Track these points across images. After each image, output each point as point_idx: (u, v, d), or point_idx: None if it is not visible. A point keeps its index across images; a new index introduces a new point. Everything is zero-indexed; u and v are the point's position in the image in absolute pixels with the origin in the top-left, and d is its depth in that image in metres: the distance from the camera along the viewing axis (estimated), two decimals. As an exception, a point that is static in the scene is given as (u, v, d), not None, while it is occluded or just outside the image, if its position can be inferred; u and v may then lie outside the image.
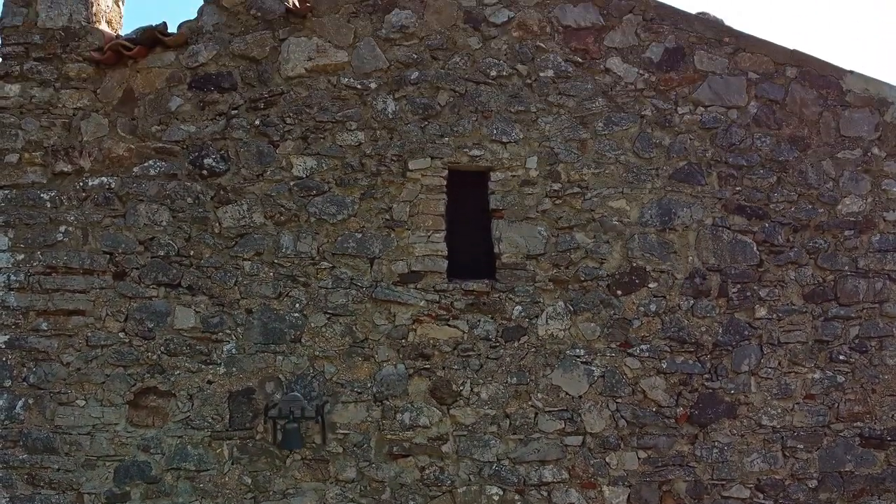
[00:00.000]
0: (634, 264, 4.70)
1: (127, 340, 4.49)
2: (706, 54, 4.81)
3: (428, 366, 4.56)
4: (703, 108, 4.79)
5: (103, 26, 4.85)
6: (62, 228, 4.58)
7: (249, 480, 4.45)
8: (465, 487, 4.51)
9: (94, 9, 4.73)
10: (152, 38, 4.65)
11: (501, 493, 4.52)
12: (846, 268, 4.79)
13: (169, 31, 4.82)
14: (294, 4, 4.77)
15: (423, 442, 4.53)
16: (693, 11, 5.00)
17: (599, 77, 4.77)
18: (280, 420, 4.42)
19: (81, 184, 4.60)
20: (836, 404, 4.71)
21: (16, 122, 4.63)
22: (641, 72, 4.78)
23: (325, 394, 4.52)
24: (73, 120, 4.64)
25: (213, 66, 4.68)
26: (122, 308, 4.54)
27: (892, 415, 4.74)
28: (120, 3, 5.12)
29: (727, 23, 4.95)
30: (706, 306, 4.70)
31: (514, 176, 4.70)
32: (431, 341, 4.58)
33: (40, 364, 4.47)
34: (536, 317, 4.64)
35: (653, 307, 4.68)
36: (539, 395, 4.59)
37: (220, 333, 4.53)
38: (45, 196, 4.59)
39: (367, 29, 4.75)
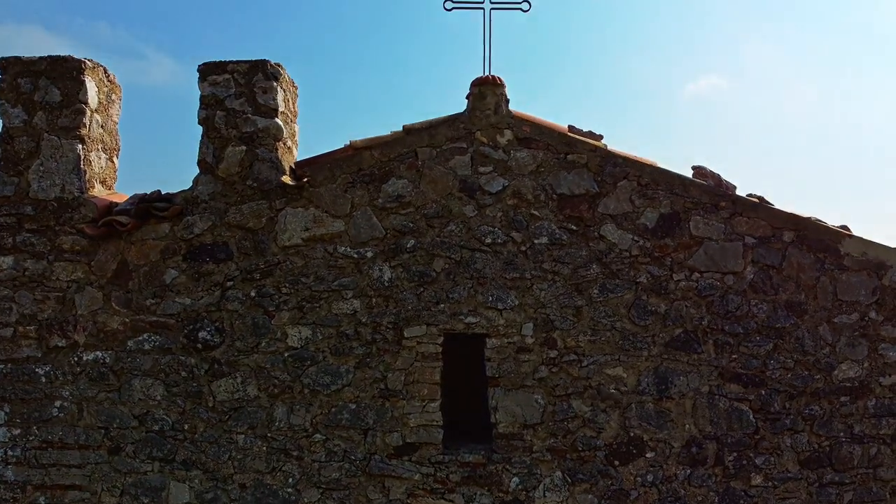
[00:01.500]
0: (632, 433, 4.68)
1: (122, 519, 4.49)
2: (702, 220, 4.80)
3: (423, 541, 4.55)
4: (698, 275, 4.77)
5: (97, 188, 4.84)
6: (57, 404, 4.57)
7: None
8: None
9: (87, 175, 4.72)
10: (146, 212, 4.63)
11: None
12: (841, 434, 4.78)
13: (165, 193, 4.82)
14: (291, 177, 4.76)
15: None
16: (690, 169, 4.97)
17: (594, 244, 4.76)
18: None
19: (76, 358, 4.60)
20: (833, 572, 4.70)
21: (9, 295, 4.63)
22: (636, 238, 4.77)
23: (321, 570, 4.51)
24: (67, 293, 4.63)
25: (208, 236, 4.67)
26: (118, 483, 4.53)
27: (889, 581, 4.73)
28: (115, 159, 5.11)
29: (724, 176, 4.95)
30: (702, 475, 4.69)
31: (510, 343, 4.69)
32: (427, 516, 4.57)
33: (35, 544, 4.47)
34: (534, 489, 4.63)
35: (650, 477, 4.67)
36: (535, 569, 4.58)
37: (215, 510, 4.52)
38: (40, 371, 4.59)
39: (363, 198, 4.73)
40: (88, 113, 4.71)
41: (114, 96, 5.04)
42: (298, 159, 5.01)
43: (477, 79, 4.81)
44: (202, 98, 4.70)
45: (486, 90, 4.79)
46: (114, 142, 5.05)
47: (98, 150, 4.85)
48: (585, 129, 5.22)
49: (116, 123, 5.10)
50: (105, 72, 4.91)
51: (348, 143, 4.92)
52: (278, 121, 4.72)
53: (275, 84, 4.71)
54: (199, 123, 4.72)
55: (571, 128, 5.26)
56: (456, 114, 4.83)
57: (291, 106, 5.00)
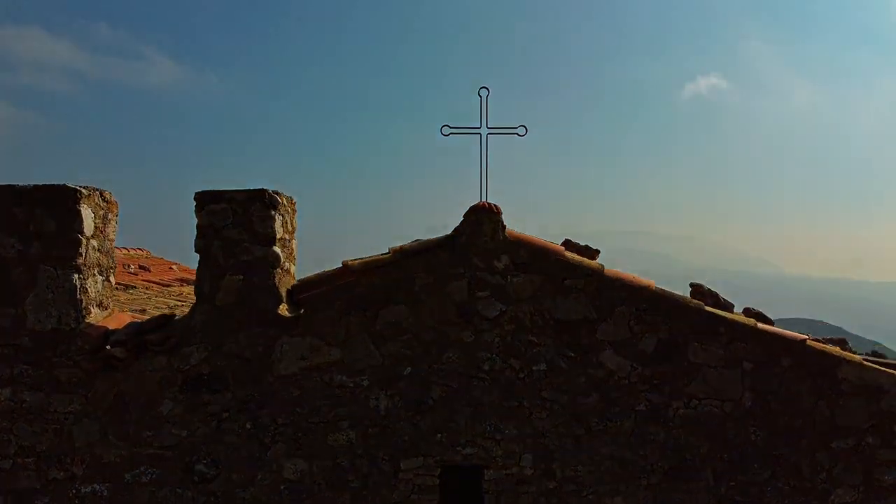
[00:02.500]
0: (629, 562, 4.69)
1: None
2: (700, 346, 4.79)
3: None
4: (697, 402, 4.77)
5: (94, 312, 4.82)
6: (55, 537, 4.57)
7: None
8: None
9: (83, 304, 4.70)
10: (142, 345, 4.62)
11: None
12: (840, 560, 4.78)
13: (162, 316, 4.80)
14: (288, 302, 4.75)
15: None
16: (693, 301, 4.95)
17: (593, 371, 4.75)
18: None
19: (74, 491, 4.60)
20: None
21: (8, 427, 4.62)
22: (635, 365, 4.76)
23: None
24: (65, 425, 4.62)
25: (205, 366, 4.67)
26: None
27: None
28: (111, 277, 5.09)
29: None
30: None
31: (509, 474, 4.69)
32: None
33: None
34: None
35: None
36: None
37: None
38: (39, 502, 4.58)
39: (360, 325, 4.72)
40: (84, 242, 4.70)
41: (110, 215, 5.02)
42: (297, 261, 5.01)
43: (474, 206, 4.80)
44: (199, 227, 4.68)
45: (483, 217, 4.77)
46: (110, 261, 5.03)
47: (94, 274, 4.84)
48: (582, 243, 5.24)
49: (113, 241, 5.08)
50: (101, 195, 4.89)
51: (344, 263, 4.92)
52: (276, 249, 4.71)
53: (272, 212, 4.70)
54: (196, 251, 4.70)
55: (567, 243, 5.25)
56: (452, 235, 4.81)
57: (290, 225, 4.99)
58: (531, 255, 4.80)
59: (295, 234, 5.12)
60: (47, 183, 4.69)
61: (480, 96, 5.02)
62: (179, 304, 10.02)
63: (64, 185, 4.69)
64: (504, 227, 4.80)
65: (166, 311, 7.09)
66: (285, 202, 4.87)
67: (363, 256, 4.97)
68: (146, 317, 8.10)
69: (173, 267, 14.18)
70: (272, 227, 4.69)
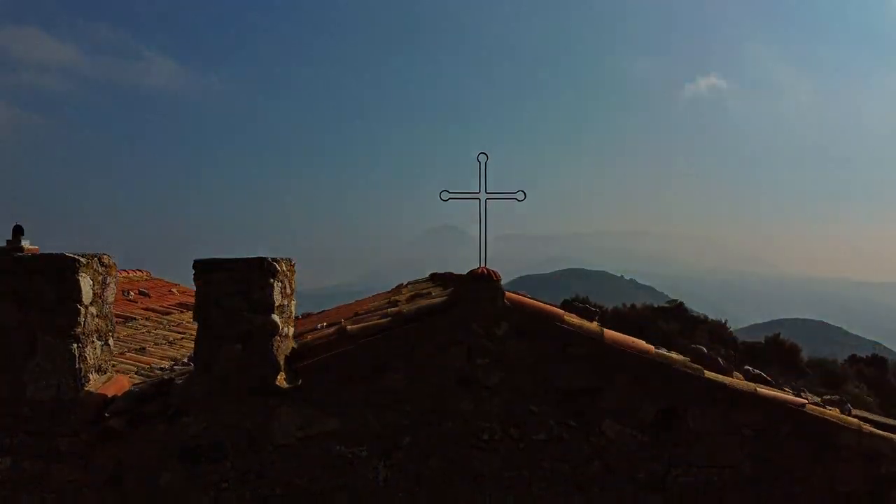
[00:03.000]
0: None
1: None
2: (700, 412, 4.79)
3: None
4: (697, 469, 4.77)
5: (93, 377, 4.82)
6: None
7: None
8: None
9: (82, 372, 4.70)
10: (141, 417, 4.62)
11: None
12: None
13: (161, 381, 4.81)
14: (286, 369, 4.75)
15: None
16: (692, 366, 4.94)
17: (594, 439, 4.75)
18: None
19: (73, 561, 4.60)
20: None
21: (8, 496, 4.62)
22: (635, 433, 4.76)
23: None
24: (65, 494, 4.62)
25: (203, 436, 4.66)
26: None
27: None
28: (110, 341, 5.09)
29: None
30: None
31: (508, 544, 4.69)
32: None
33: None
34: None
35: None
36: None
37: None
38: (38, 573, 4.59)
39: (359, 394, 4.72)
40: (83, 311, 4.70)
41: (108, 279, 5.02)
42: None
43: (474, 274, 4.80)
44: (198, 296, 4.69)
45: (483, 285, 4.77)
46: (108, 325, 5.04)
47: (93, 340, 4.84)
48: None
49: (112, 304, 5.08)
50: (99, 260, 4.90)
51: (341, 328, 4.92)
52: (275, 317, 4.71)
53: (271, 280, 4.70)
54: (195, 320, 4.71)
55: (566, 304, 5.25)
56: (451, 301, 4.81)
57: (288, 288, 4.98)
58: (531, 321, 4.80)
59: (294, 295, 5.13)
60: (47, 253, 4.71)
61: (479, 161, 5.01)
62: (179, 335, 10.05)
63: (63, 254, 4.69)
64: (504, 293, 4.80)
65: (165, 365, 7.11)
66: (284, 268, 4.87)
67: (361, 314, 4.98)
68: (147, 357, 8.12)
69: (173, 290, 14.20)
70: (271, 296, 4.69)
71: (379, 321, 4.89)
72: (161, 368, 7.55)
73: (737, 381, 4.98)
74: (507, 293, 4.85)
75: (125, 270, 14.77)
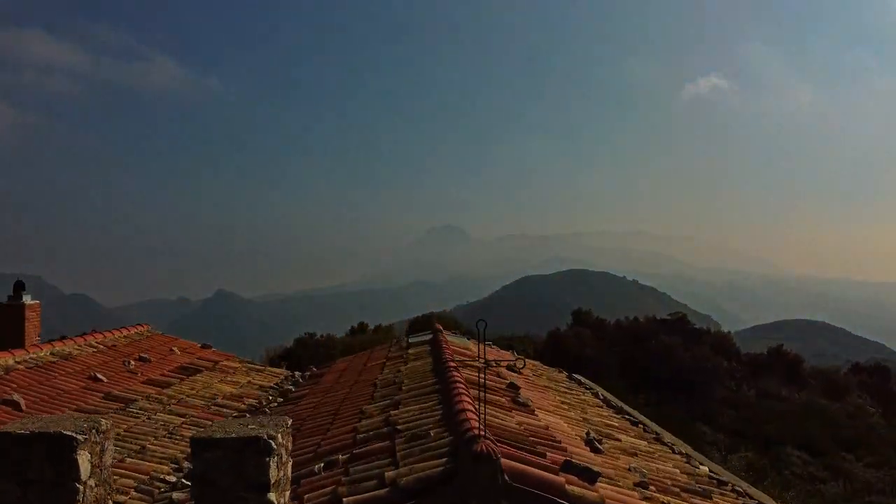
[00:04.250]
0: None
1: None
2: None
3: None
4: None
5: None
6: None
7: None
8: None
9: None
10: None
11: None
12: None
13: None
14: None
15: None
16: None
17: None
18: None
19: None
20: None
21: None
22: None
23: None
24: None
25: None
26: None
27: None
28: (109, 501, 5.10)
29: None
30: None
31: None
32: None
33: None
34: None
35: None
36: None
37: None
38: None
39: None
40: (82, 489, 4.71)
41: (106, 443, 5.03)
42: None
43: (474, 452, 4.79)
44: (194, 475, 4.70)
45: (482, 463, 4.77)
46: (107, 489, 5.05)
47: (92, 510, 4.85)
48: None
49: (110, 467, 5.10)
50: (96, 430, 4.90)
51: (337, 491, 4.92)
52: (270, 496, 4.71)
53: (267, 459, 4.70)
54: (192, 499, 4.72)
55: (567, 464, 5.26)
56: (450, 475, 4.82)
57: (285, 455, 4.98)
58: (531, 498, 4.80)
59: (289, 454, 5.12)
60: (43, 432, 4.71)
61: (478, 329, 5.03)
62: (179, 419, 10.07)
63: (60, 432, 4.69)
64: (503, 470, 4.80)
65: (164, 474, 7.06)
66: (279, 443, 4.86)
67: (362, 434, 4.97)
68: (146, 462, 8.13)
69: (174, 349, 14.24)
70: (266, 475, 4.70)
71: (377, 492, 4.90)
72: (161, 480, 7.58)
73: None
74: (505, 462, 4.84)
75: (125, 328, 14.81)
